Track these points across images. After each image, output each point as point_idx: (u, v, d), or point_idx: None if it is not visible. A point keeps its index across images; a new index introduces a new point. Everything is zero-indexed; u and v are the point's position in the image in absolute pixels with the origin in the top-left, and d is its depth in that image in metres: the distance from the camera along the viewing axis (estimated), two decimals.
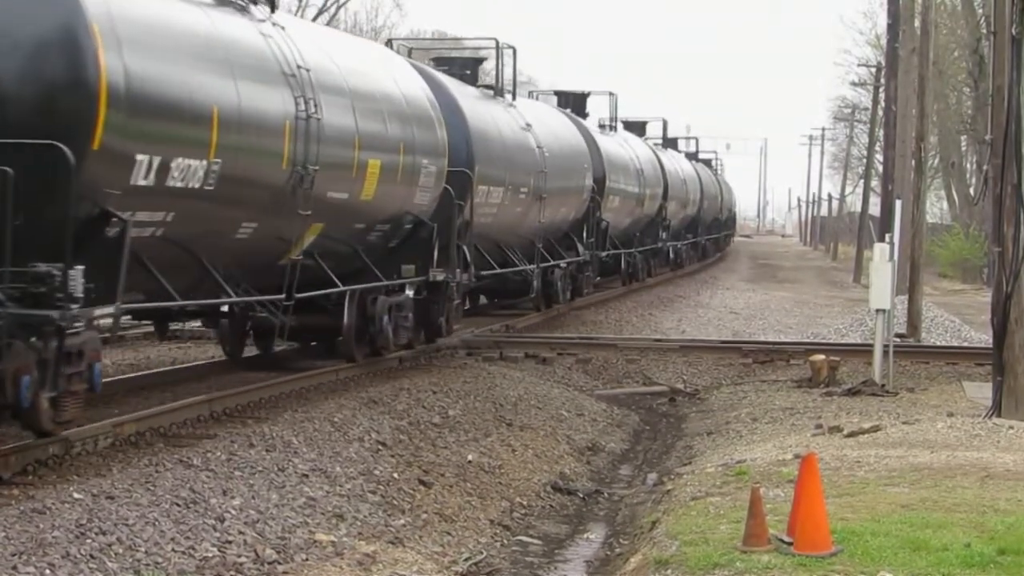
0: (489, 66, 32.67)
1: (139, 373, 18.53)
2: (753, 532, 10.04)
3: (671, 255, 53.00)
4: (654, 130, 60.25)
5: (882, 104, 55.15)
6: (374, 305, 19.53)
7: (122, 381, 17.07)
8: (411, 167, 19.94)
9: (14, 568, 9.12)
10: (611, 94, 42.95)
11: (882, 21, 58.17)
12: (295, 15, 44.71)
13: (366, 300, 19.38)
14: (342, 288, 18.40)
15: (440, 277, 21.23)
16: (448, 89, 24.02)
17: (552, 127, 32.01)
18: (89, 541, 9.91)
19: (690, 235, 59.72)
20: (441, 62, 28.34)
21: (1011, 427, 15.79)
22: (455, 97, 24.05)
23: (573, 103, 40.13)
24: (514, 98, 29.51)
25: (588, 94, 41.40)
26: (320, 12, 56.69)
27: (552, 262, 30.88)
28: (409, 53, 30.28)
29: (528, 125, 28.85)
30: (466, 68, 27.84)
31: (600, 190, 34.86)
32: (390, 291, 20.14)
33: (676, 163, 53.26)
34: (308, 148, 16.11)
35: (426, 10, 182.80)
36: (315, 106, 16.28)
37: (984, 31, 52.92)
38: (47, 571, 9.20)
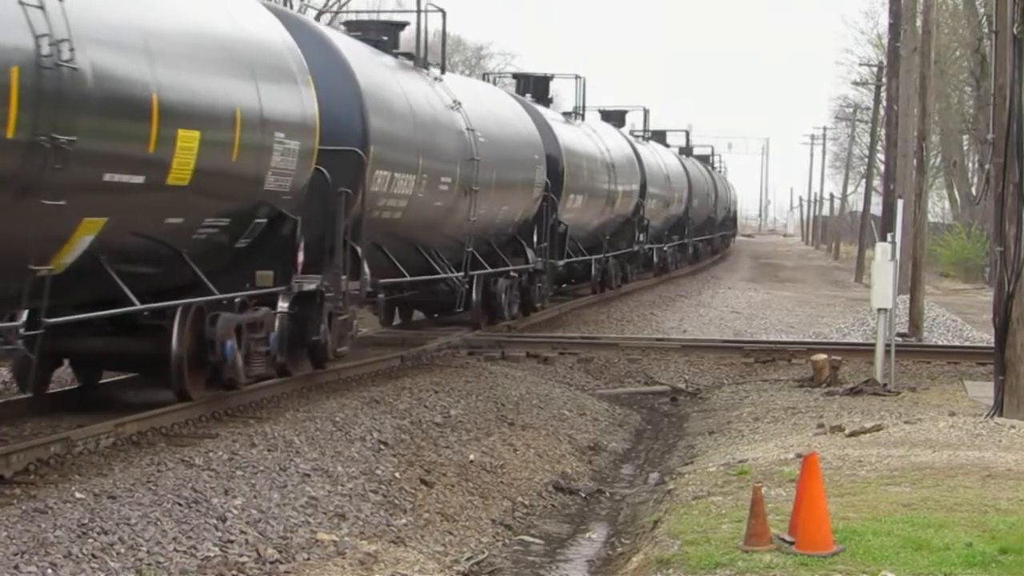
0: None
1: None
2: (755, 531, 10.04)
3: (654, 259, 48.01)
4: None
5: (884, 103, 55.15)
6: (212, 326, 14.94)
7: (123, 381, 17.06)
8: (256, 142, 15.19)
9: (16, 568, 9.13)
10: (578, 77, 37.34)
11: (883, 20, 58.18)
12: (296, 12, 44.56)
13: (203, 319, 15.01)
14: (138, 307, 13.62)
15: (310, 286, 16.90)
16: (336, 47, 19.15)
17: (492, 109, 26.67)
18: (91, 541, 9.91)
19: (676, 236, 54.35)
20: (353, 26, 24.04)
21: (1013, 426, 15.78)
22: (345, 58, 19.03)
23: (534, 88, 34.99)
24: (442, 72, 24.61)
25: (551, 77, 36.27)
26: (321, 12, 56.60)
27: (492, 270, 25.81)
28: (317, 17, 28.95)
29: (456, 103, 23.42)
30: (384, 34, 22.63)
31: (557, 187, 29.81)
32: (242, 307, 15.75)
33: (658, 157, 47.23)
34: (58, 112, 11.29)
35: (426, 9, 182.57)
36: (69, 49, 11.34)
37: (985, 30, 52.93)
38: (49, 571, 9.21)
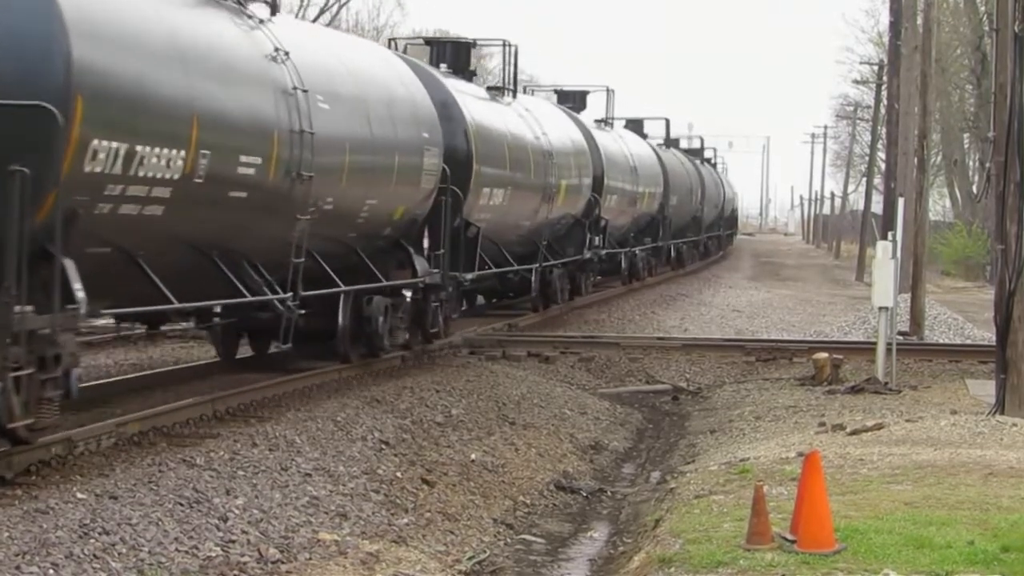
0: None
1: (142, 373, 18.54)
2: (756, 530, 10.04)
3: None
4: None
5: (884, 102, 55.18)
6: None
7: (125, 381, 17.06)
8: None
9: (18, 568, 9.13)
10: (507, 45, 32.09)
11: (884, 19, 58.14)
12: (296, 16, 44.69)
13: None
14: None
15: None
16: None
17: (352, 68, 19.78)
18: (92, 541, 9.91)
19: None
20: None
21: (1014, 424, 15.79)
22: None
23: (452, 56, 29.91)
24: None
25: (474, 44, 31.26)
26: (321, 12, 56.65)
27: (337, 289, 19.05)
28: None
29: (281, 53, 16.52)
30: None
31: (463, 178, 23.24)
32: None
33: (623, 146, 41.92)
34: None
35: (428, 10, 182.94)
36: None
37: (986, 28, 52.90)
38: (51, 571, 9.21)
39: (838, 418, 17.56)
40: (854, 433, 15.74)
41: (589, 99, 41.50)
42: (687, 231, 56.47)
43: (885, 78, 55.85)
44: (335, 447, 14.40)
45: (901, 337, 24.75)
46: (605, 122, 41.80)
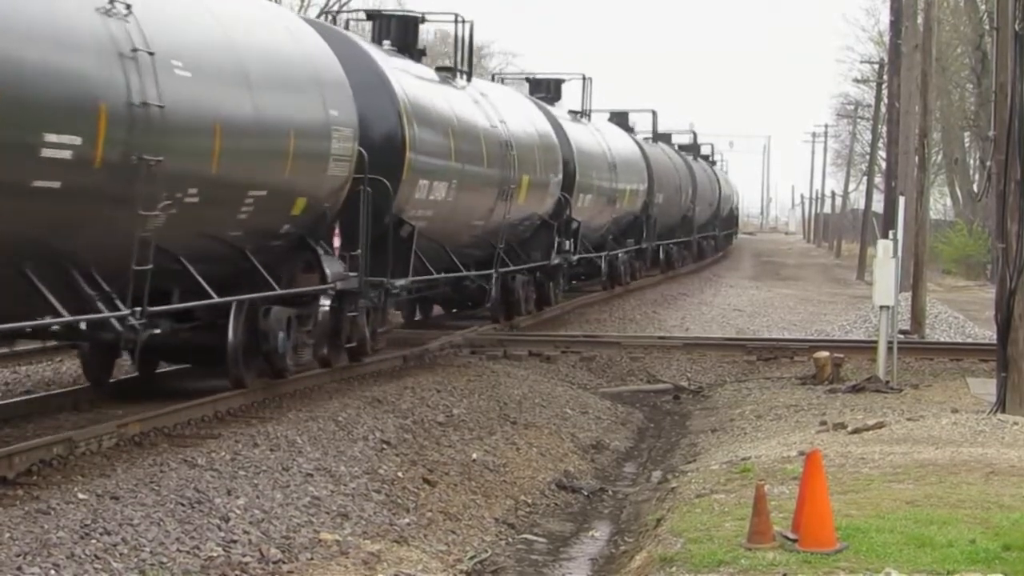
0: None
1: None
2: (758, 529, 10.04)
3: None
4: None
5: (885, 101, 55.18)
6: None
7: (126, 381, 17.07)
8: None
9: (19, 569, 9.13)
10: (423, 20, 28.10)
11: (885, 18, 58.16)
12: (297, 13, 44.43)
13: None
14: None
15: None
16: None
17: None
18: (94, 541, 9.91)
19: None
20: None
21: (1015, 423, 15.79)
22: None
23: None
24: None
25: (422, 19, 29.76)
26: (323, 12, 56.56)
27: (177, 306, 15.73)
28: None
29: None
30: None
31: (393, 169, 19.82)
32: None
33: (600, 140, 37.58)
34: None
35: (429, 9, 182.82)
36: None
37: (987, 27, 52.90)
38: (52, 571, 9.21)
39: (839, 417, 17.56)
40: (855, 432, 15.74)
41: (568, 89, 39.03)
42: (676, 231, 52.83)
43: (886, 77, 55.85)
44: (336, 447, 14.40)
45: (902, 336, 24.75)
46: (581, 113, 37.91)
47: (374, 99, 19.67)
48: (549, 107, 33.04)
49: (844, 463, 13.55)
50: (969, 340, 27.61)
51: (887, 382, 20.83)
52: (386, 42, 23.23)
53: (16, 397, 16.08)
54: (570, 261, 31.05)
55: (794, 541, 9.91)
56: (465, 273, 24.43)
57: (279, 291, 16.30)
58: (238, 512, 11.33)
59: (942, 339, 27.78)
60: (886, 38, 52.56)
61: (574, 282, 36.55)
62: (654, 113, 53.50)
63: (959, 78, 67.33)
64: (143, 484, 11.59)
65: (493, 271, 25.68)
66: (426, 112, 21.60)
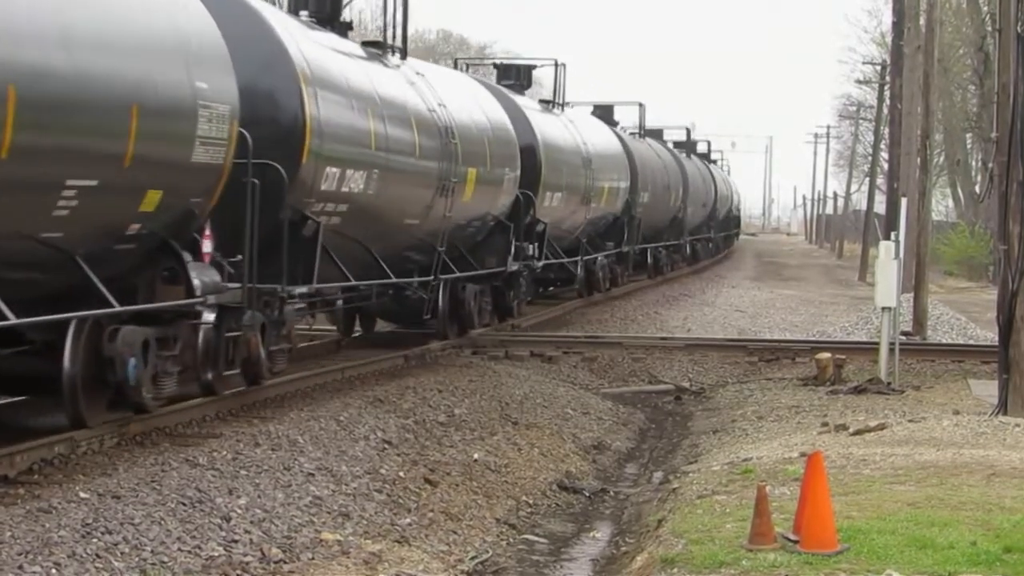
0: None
1: None
2: (759, 530, 10.04)
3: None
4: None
5: (887, 102, 55.15)
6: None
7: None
8: None
9: (20, 567, 9.13)
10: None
11: (887, 19, 58.26)
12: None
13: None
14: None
15: None
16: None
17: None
18: (95, 540, 9.92)
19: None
20: None
21: (1017, 425, 15.78)
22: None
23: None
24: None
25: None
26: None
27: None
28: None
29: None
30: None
31: (290, 161, 16.62)
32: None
33: (573, 133, 33.28)
34: None
35: (431, 9, 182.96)
36: None
37: (989, 28, 52.90)
38: (53, 570, 9.21)
39: (841, 418, 17.55)
40: (857, 433, 15.74)
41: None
42: (665, 234, 49.27)
43: (888, 78, 55.83)
44: (338, 447, 14.40)
45: (904, 337, 24.75)
46: (554, 103, 33.63)
47: (267, 71, 16.58)
48: (513, 95, 29.21)
49: (845, 464, 13.54)
50: (971, 342, 27.61)
51: (889, 383, 20.83)
52: (303, 13, 20.26)
53: None
54: (533, 267, 27.48)
55: (795, 542, 9.91)
56: (393, 280, 20.34)
57: (118, 308, 12.81)
58: (239, 512, 11.34)
59: (944, 341, 27.77)
60: (888, 39, 52.60)
61: (550, 288, 34.37)
62: (641, 106, 48.61)
63: (961, 79, 67.32)
64: (144, 483, 11.60)
65: (432, 278, 22.08)
66: (337, 89, 18.11)
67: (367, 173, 18.70)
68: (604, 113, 44.74)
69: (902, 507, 11.32)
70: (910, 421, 16.54)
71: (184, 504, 11.19)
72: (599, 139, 36.85)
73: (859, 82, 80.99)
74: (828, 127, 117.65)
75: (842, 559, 9.66)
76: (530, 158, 27.72)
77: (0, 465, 11.53)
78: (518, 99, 29.57)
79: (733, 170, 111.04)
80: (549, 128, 30.67)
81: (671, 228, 50.36)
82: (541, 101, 33.13)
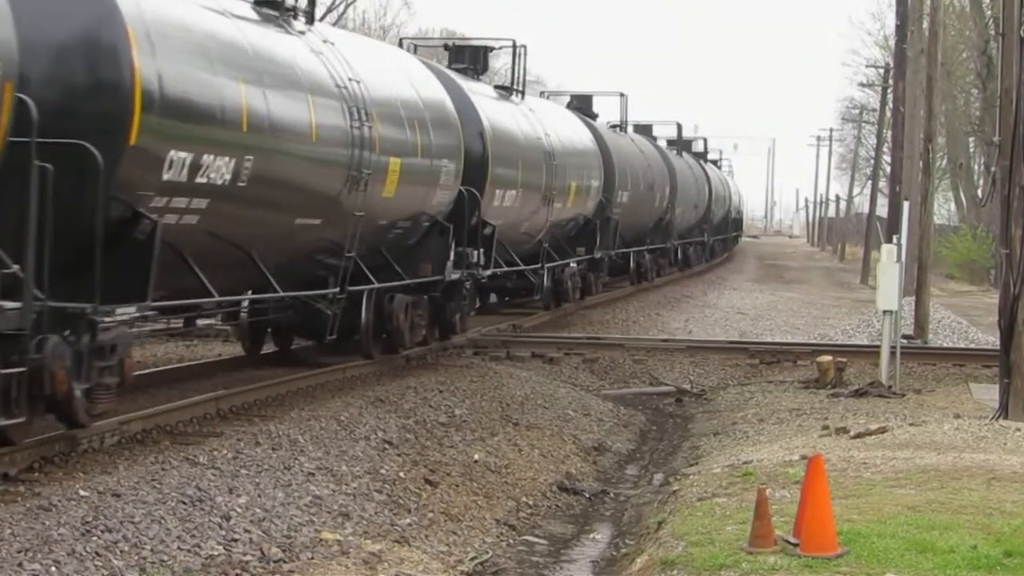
0: None
1: (146, 371, 18.52)
2: (759, 533, 10.03)
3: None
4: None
5: (890, 105, 55.08)
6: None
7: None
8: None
9: (20, 565, 9.13)
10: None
11: (890, 22, 58.21)
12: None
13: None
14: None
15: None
16: None
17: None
18: (95, 538, 9.92)
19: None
20: None
21: (1018, 429, 15.76)
22: None
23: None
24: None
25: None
26: (328, 11, 56.60)
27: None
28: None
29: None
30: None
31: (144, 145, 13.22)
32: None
33: (533, 123, 28.99)
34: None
35: (435, 9, 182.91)
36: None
37: (992, 32, 52.89)
38: (53, 568, 9.21)
39: (841, 421, 17.55)
40: (857, 437, 15.73)
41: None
42: (649, 237, 44.88)
43: (891, 81, 55.80)
44: (338, 446, 14.40)
45: (905, 341, 24.75)
46: (512, 90, 29.18)
47: (65, 12, 12.71)
48: (460, 77, 25.54)
49: (846, 468, 13.54)
50: (972, 345, 27.61)
51: (890, 387, 20.82)
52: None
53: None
54: (478, 277, 23.46)
55: (795, 545, 9.90)
56: (281, 294, 16.78)
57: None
58: (239, 511, 11.33)
59: (945, 344, 27.77)
60: (891, 42, 52.53)
61: (506, 299, 30.89)
62: (622, 96, 43.44)
63: (964, 83, 67.32)
64: (145, 481, 11.59)
65: (335, 289, 18.38)
66: (190, 48, 14.07)
67: (235, 160, 14.58)
68: (583, 104, 40.25)
69: (902, 511, 11.31)
70: (911, 425, 16.53)
71: (184, 503, 11.19)
72: (567, 131, 32.29)
73: (862, 85, 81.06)
74: (831, 130, 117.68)
75: (842, 562, 9.65)
76: (476, 149, 23.86)
77: (1, 462, 11.53)
78: (464, 82, 25.31)
79: (736, 172, 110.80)
80: (502, 116, 26.53)
81: (656, 231, 46.21)
82: (497, 87, 29.00)
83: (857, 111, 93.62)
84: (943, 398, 20.39)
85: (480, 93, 26.07)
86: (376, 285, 19.38)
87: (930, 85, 31.19)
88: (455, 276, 22.06)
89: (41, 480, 11.51)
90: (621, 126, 43.34)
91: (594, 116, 39.93)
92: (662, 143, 53.71)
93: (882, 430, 15.99)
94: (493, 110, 26.05)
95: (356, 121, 17.80)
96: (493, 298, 30.54)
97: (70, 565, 9.34)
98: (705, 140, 72.13)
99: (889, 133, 53.89)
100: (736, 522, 11.08)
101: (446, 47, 29.01)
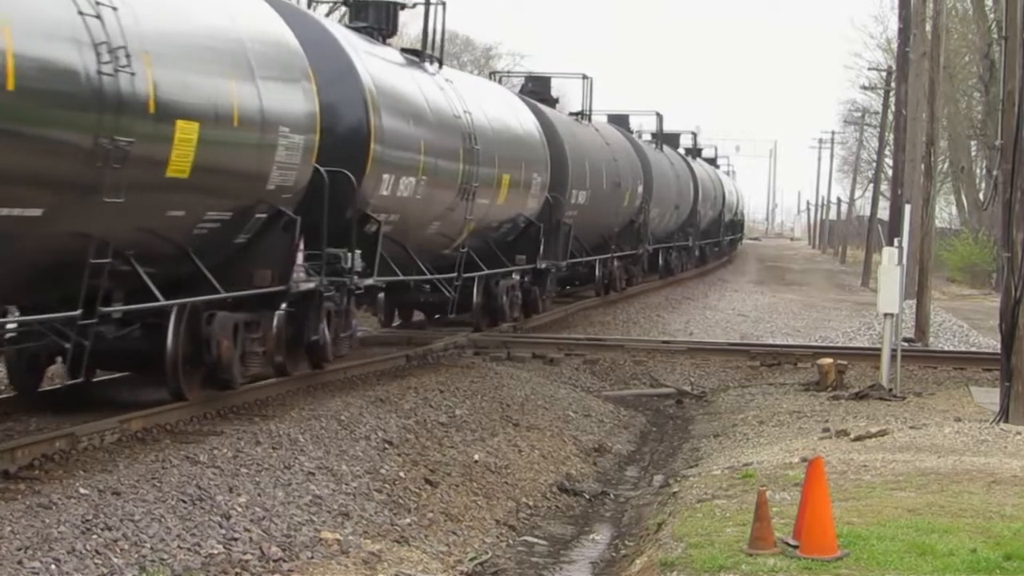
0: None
1: None
2: (759, 535, 10.03)
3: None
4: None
5: (892, 108, 55.12)
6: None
7: (129, 378, 17.06)
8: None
9: (20, 563, 9.13)
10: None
11: (893, 25, 58.22)
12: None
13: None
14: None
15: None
16: None
17: None
18: (95, 537, 9.92)
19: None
20: None
21: (1018, 433, 15.77)
22: None
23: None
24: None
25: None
26: (330, 12, 56.56)
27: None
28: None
29: None
30: None
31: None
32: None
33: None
34: None
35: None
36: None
37: (995, 36, 52.88)
38: (53, 566, 9.21)
39: (842, 424, 17.55)
40: (858, 439, 15.73)
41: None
42: (616, 243, 38.46)
43: (893, 84, 55.80)
44: (338, 446, 14.40)
45: (906, 343, 24.75)
46: (425, 56, 23.05)
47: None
48: (333, 25, 20.65)
49: (846, 470, 13.54)
50: (973, 349, 27.61)
51: (890, 390, 20.82)
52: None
53: None
54: (349, 287, 17.99)
55: (795, 547, 9.90)
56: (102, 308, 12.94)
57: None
58: (239, 510, 11.33)
59: (946, 347, 27.77)
60: (894, 45, 52.52)
61: (436, 316, 26.35)
62: (585, 78, 36.69)
63: (967, 86, 67.31)
64: (145, 480, 11.59)
65: (166, 307, 14.32)
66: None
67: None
68: (540, 88, 34.68)
69: (902, 513, 11.31)
70: (911, 428, 16.53)
71: (184, 501, 11.19)
72: (498, 112, 26.17)
73: (864, 88, 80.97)
74: (833, 132, 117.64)
75: (842, 565, 9.65)
76: (352, 118, 18.61)
77: (1, 460, 11.54)
78: (346, 34, 20.10)
79: (737, 174, 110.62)
80: (397, 81, 20.63)
81: (626, 235, 39.97)
82: (406, 51, 22.94)
83: (859, 114, 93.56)
84: (944, 401, 20.38)
85: (370, 52, 20.21)
86: (177, 301, 14.53)
87: (932, 88, 31.17)
88: (308, 286, 16.81)
89: (41, 478, 11.52)
90: (583, 114, 36.36)
91: (553, 102, 34.32)
92: (648, 137, 49.61)
93: (882, 433, 15.99)
94: (383, 72, 20.04)
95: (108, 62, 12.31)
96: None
97: (70, 563, 9.34)
98: (694, 134, 66.03)
99: (891, 136, 53.86)
100: (736, 524, 11.09)
101: (346, 3, 23.35)
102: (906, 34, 42.01)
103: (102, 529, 10.09)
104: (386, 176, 19.27)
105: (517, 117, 27.75)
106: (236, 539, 10.63)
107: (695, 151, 63.64)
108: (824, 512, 9.90)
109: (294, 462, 13.29)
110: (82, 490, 10.99)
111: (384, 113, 19.19)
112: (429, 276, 22.38)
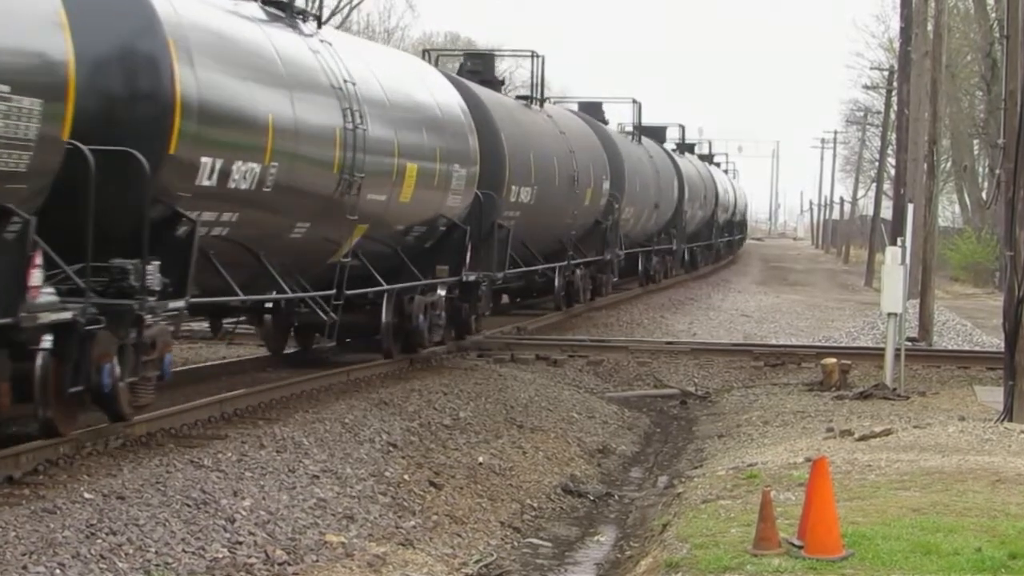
0: None
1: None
2: (764, 535, 10.03)
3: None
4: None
5: (894, 107, 55.12)
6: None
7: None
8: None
9: (24, 568, 9.14)
10: None
11: (895, 24, 58.16)
12: None
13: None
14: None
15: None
16: None
17: None
18: (99, 541, 9.92)
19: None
20: None
21: (1022, 431, 15.75)
22: None
23: None
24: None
25: None
26: (333, 13, 56.64)
27: None
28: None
29: None
30: None
31: None
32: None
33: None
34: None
35: (439, 12, 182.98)
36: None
37: (997, 34, 52.86)
38: (57, 571, 9.21)
39: (846, 424, 17.54)
40: (862, 439, 15.72)
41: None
42: (577, 247, 32.93)
43: (895, 83, 55.79)
44: (343, 449, 14.40)
45: (910, 343, 24.75)
46: (296, 11, 17.62)
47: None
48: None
49: (851, 470, 13.53)
50: (977, 348, 27.59)
51: (894, 389, 20.81)
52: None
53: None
54: (145, 314, 12.96)
55: (800, 548, 9.89)
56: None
57: None
58: (244, 513, 11.34)
59: (950, 347, 27.76)
60: (896, 45, 52.49)
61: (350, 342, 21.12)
62: (535, 56, 31.26)
63: (969, 85, 67.29)
64: (149, 484, 11.60)
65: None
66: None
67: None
68: (482, 66, 29.05)
69: (907, 513, 11.30)
70: (915, 427, 16.52)
71: (189, 505, 11.19)
72: (402, 86, 20.65)
73: (866, 87, 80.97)
74: (835, 132, 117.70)
75: (846, 565, 9.65)
76: (144, 75, 13.34)
77: (5, 465, 11.54)
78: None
79: (740, 174, 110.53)
80: (231, 31, 15.32)
81: (589, 239, 34.31)
82: (266, 2, 17.11)
83: (861, 113, 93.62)
84: (947, 400, 20.38)
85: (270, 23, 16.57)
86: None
87: (934, 87, 31.18)
88: (55, 316, 11.66)
89: (45, 483, 11.51)
90: (533, 98, 31.06)
91: (497, 84, 29.28)
92: (653, 142, 46.67)
93: (887, 432, 15.98)
94: (207, 18, 14.81)
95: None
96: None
97: (74, 568, 9.34)
98: (682, 126, 60.68)
99: (893, 135, 53.84)
100: (740, 524, 11.08)
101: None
102: (908, 33, 42.00)
103: (106, 534, 10.10)
104: (206, 160, 13.92)
105: (433, 96, 21.94)
106: (241, 543, 10.63)
107: (685, 146, 58.85)
108: (829, 512, 9.89)
109: (298, 465, 13.29)
110: (86, 495, 10.99)
111: (201, 69, 13.84)
112: (308, 294, 17.67)
